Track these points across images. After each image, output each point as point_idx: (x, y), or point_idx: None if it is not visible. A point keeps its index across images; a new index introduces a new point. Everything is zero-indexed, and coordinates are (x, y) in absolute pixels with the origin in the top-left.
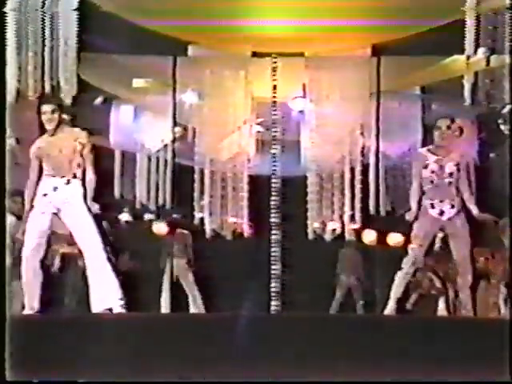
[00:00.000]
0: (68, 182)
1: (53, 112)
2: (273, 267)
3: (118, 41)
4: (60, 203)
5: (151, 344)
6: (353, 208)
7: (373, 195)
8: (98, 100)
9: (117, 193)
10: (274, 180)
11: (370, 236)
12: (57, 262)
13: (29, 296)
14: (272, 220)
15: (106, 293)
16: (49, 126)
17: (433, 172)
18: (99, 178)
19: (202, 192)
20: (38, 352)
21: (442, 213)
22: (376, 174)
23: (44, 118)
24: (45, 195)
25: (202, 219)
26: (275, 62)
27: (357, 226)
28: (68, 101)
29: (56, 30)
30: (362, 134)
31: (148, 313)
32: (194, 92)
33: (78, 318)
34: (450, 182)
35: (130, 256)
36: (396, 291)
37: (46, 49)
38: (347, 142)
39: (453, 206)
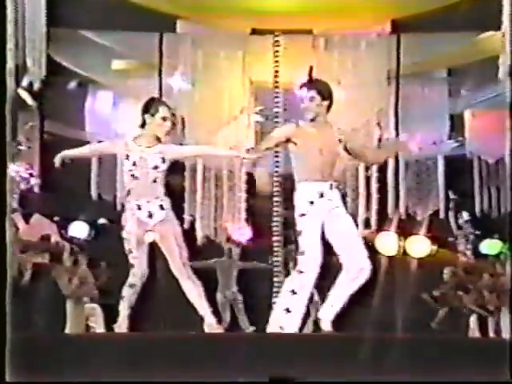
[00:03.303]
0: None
1: None
2: (275, 279)
3: (95, 15)
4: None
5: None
6: (368, 210)
7: (391, 195)
8: (72, 84)
9: (94, 193)
10: (275, 178)
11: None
12: (28, 273)
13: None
14: (273, 224)
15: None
16: None
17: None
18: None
19: (193, 192)
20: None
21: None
22: (395, 171)
23: None
24: (311, 202)
25: (192, 223)
26: (278, 41)
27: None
28: (36, 85)
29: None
30: (378, 124)
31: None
32: (183, 75)
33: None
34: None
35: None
36: (126, 306)
37: (10, 23)
38: (362, 134)
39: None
